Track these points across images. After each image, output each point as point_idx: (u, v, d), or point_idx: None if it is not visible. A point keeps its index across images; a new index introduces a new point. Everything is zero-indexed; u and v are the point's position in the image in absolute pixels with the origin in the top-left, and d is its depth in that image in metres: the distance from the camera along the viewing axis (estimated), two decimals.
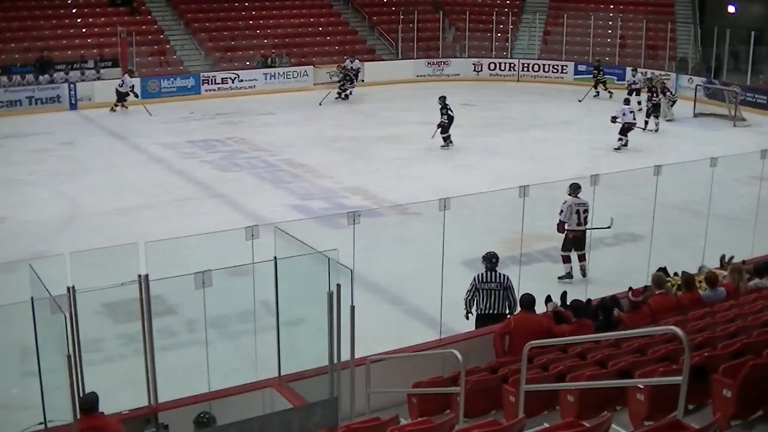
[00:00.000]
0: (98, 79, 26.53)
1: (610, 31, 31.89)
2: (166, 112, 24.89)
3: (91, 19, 28.66)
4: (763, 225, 12.75)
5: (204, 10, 30.74)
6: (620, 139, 20.72)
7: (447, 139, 20.76)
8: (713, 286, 9.22)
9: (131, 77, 24.97)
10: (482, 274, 9.78)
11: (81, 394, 6.31)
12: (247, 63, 29.39)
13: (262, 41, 30.31)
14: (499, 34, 32.56)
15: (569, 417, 6.09)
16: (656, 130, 22.78)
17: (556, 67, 31.39)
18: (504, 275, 9.80)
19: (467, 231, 12.81)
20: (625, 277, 10.65)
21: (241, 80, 28.52)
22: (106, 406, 6.40)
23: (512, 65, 31.90)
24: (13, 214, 15.52)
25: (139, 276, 6.87)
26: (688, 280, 9.29)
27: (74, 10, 28.93)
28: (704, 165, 11.73)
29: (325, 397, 6.91)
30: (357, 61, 28.55)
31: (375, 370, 7.95)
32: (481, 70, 31.87)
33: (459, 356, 6.93)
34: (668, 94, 24.25)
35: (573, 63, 31.08)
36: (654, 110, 23.03)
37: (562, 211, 12.29)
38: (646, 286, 9.30)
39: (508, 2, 34.03)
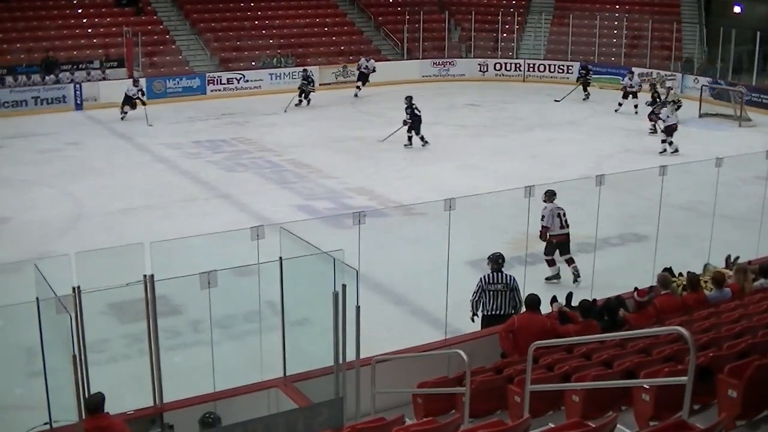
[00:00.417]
0: (104, 79, 26.53)
1: (615, 32, 31.85)
2: (172, 113, 24.89)
3: (96, 20, 28.69)
4: None
5: (210, 11, 30.76)
6: (670, 143, 20.26)
7: (422, 139, 20.86)
8: (720, 286, 9.21)
9: (135, 86, 24.13)
10: (488, 275, 9.74)
11: (86, 395, 6.33)
12: (253, 63, 29.40)
13: (267, 41, 30.31)
14: (504, 35, 32.53)
15: (574, 417, 6.09)
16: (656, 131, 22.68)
17: (561, 67, 31.32)
18: (510, 276, 9.77)
19: (472, 231, 12.83)
20: (631, 278, 10.61)
21: (247, 80, 28.50)
22: (111, 407, 6.42)
23: (518, 65, 31.84)
24: (19, 214, 15.55)
25: (145, 276, 6.89)
26: (693, 280, 9.26)
27: (80, 11, 28.98)
28: (709, 165, 11.68)
29: (331, 398, 6.93)
30: (372, 60, 28.55)
31: (380, 371, 7.96)
32: (487, 71, 31.83)
33: (464, 356, 6.93)
34: (671, 93, 24.14)
35: (579, 63, 31.00)
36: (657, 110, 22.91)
37: (543, 216, 12.17)
38: (651, 287, 9.27)
39: (514, 2, 33.97)
